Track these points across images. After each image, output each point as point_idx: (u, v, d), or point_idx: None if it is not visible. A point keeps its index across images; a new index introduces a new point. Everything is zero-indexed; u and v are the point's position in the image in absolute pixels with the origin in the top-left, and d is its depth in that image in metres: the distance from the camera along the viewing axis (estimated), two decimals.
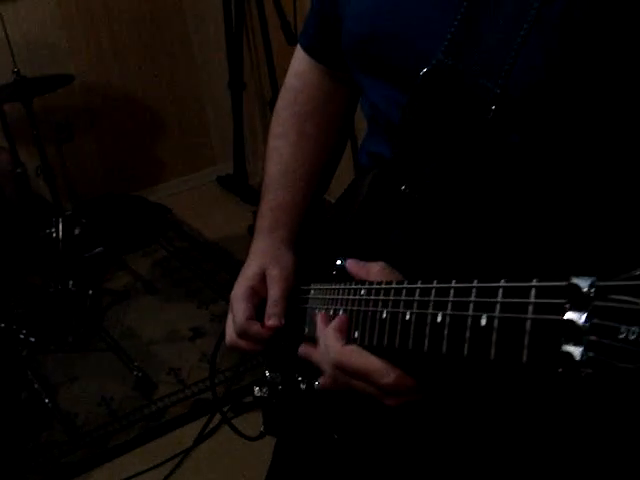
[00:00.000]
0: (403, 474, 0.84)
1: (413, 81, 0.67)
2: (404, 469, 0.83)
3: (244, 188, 3.54)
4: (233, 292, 0.90)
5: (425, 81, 0.66)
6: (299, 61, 0.98)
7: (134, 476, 1.99)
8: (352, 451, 0.85)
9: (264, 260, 0.89)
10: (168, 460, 2.03)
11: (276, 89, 2.92)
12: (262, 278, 0.89)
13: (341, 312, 0.70)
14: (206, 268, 2.99)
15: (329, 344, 0.68)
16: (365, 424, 0.80)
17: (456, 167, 0.67)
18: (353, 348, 0.66)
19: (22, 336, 2.34)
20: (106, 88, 3.35)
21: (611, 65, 0.58)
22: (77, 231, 2.90)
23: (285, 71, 1.00)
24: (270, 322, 0.84)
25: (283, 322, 0.84)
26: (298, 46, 0.98)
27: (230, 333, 0.89)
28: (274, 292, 0.86)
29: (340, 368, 0.67)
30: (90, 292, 2.65)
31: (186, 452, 2.05)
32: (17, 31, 2.89)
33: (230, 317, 0.90)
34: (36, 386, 2.22)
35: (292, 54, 0.99)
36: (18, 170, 2.28)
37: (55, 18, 3.11)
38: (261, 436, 0.97)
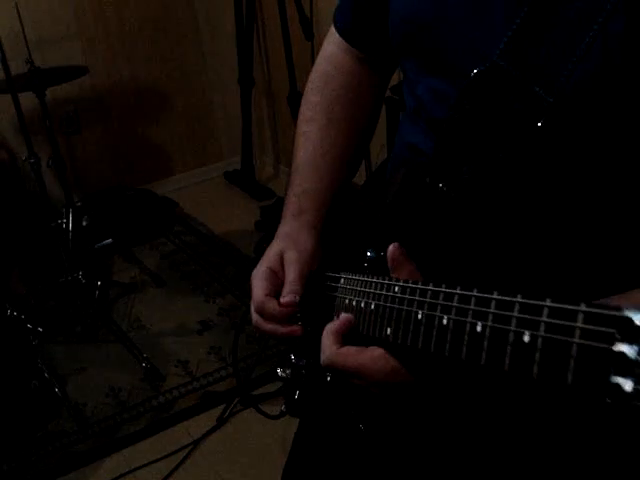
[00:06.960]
0: (423, 468, 0.85)
1: (464, 78, 0.66)
2: (425, 463, 0.85)
3: (251, 184, 3.55)
4: (254, 272, 0.89)
5: (476, 81, 0.65)
6: (332, 44, 0.96)
7: (142, 466, 2.01)
8: (377, 442, 0.85)
9: (284, 243, 0.88)
10: (176, 451, 2.05)
11: (294, 84, 2.89)
12: (281, 261, 0.88)
13: (372, 306, 0.70)
14: (213, 262, 3.01)
15: (324, 345, 0.72)
16: (392, 417, 0.81)
17: (498, 171, 0.66)
18: (345, 351, 0.69)
19: (30, 326, 2.35)
20: (114, 81, 3.37)
21: None
22: (85, 223, 2.92)
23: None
24: (285, 299, 0.83)
25: (298, 299, 0.83)
26: (332, 28, 0.96)
27: (253, 313, 0.88)
28: (290, 273, 0.85)
29: (333, 368, 0.71)
30: (99, 283, 2.67)
31: (195, 443, 2.07)
32: (30, 22, 2.90)
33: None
34: (46, 375, 2.23)
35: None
36: (31, 160, 2.30)
37: (66, 10, 3.12)
38: (282, 415, 0.97)
